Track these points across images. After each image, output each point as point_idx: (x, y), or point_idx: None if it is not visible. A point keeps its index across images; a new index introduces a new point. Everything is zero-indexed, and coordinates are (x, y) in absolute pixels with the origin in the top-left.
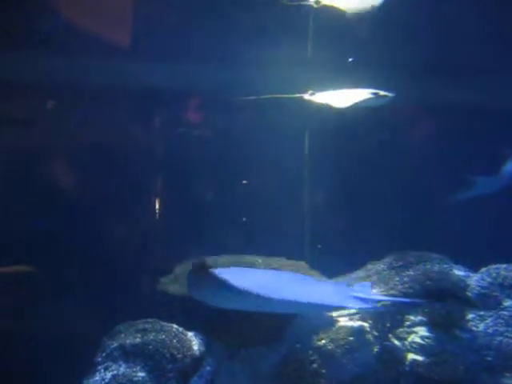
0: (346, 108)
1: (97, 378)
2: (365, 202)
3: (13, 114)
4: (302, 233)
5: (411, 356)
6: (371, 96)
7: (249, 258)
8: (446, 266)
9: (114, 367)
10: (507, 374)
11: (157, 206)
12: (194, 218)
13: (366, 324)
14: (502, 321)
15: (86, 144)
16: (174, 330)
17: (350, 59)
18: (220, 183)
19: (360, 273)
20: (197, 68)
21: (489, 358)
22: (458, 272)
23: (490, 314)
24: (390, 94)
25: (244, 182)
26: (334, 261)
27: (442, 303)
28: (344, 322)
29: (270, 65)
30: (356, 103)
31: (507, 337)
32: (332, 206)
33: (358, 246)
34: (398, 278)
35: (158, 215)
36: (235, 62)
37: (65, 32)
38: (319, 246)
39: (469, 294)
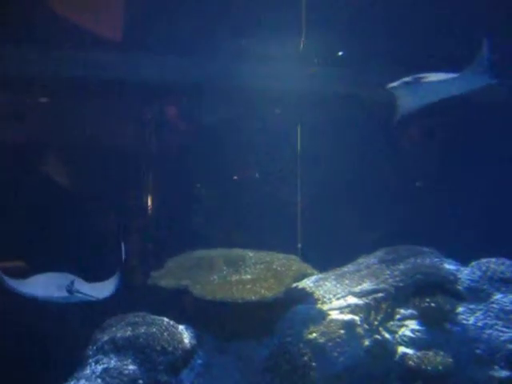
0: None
1: (87, 372)
2: (360, 196)
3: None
4: (295, 227)
5: (402, 349)
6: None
7: (240, 252)
8: (436, 259)
9: (104, 360)
10: (496, 367)
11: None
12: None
13: (356, 317)
14: (491, 314)
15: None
16: (164, 323)
17: (340, 53)
18: (217, 178)
19: (351, 266)
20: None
21: (478, 351)
22: (449, 266)
23: (480, 307)
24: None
25: (235, 177)
26: (325, 255)
27: (433, 297)
28: (335, 315)
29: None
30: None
31: (497, 330)
32: (325, 200)
33: (350, 241)
34: (388, 272)
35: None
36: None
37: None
38: (299, 245)
39: (459, 287)
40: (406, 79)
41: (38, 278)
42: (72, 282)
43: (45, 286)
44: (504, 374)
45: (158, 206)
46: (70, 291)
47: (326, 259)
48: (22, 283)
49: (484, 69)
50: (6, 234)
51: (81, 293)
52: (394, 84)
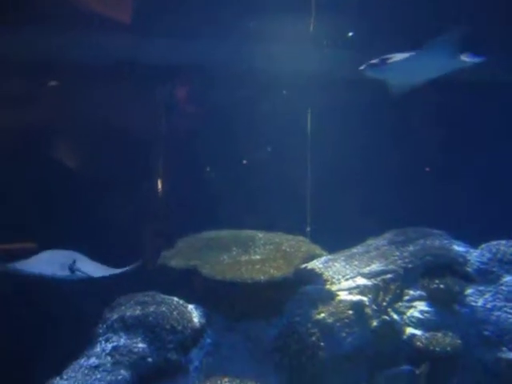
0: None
1: (97, 349)
2: (368, 178)
3: None
4: (305, 209)
5: (410, 330)
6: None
7: (249, 233)
8: (446, 241)
9: (114, 338)
10: (504, 348)
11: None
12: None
13: (365, 298)
14: (500, 296)
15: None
16: (174, 302)
17: (350, 34)
18: (228, 160)
19: (360, 248)
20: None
21: (486, 333)
22: (458, 248)
23: (490, 289)
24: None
25: (244, 161)
26: (335, 237)
27: (442, 278)
28: (344, 296)
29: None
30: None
31: (505, 312)
32: (334, 182)
33: (360, 222)
34: (397, 253)
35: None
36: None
37: None
38: (308, 229)
39: (468, 269)
40: (373, 61)
41: (43, 256)
42: (74, 261)
43: (48, 264)
44: None
45: (169, 187)
46: (71, 270)
47: (336, 241)
48: (25, 263)
49: (446, 45)
50: (24, 214)
51: (82, 272)
52: (362, 67)
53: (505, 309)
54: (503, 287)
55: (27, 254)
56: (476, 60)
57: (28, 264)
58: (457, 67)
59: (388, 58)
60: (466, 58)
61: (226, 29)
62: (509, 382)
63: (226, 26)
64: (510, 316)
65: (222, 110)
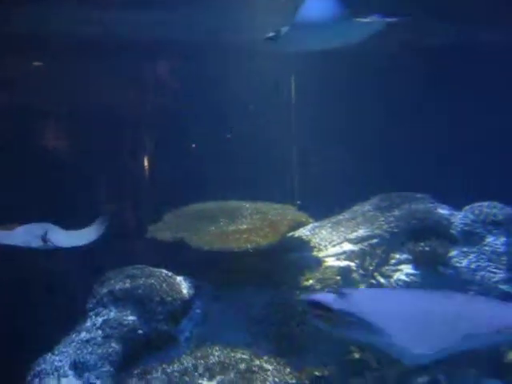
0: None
1: (88, 324)
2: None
3: None
4: (291, 178)
5: None
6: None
7: (236, 204)
8: (430, 205)
9: (104, 312)
10: None
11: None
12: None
13: (352, 263)
14: (484, 256)
15: None
16: (163, 274)
17: None
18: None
19: (346, 214)
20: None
21: (471, 293)
22: (443, 211)
23: (473, 250)
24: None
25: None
26: (322, 204)
27: (427, 241)
28: (331, 262)
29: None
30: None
31: (489, 271)
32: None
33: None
34: (383, 218)
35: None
36: None
37: None
38: (298, 202)
39: (453, 231)
40: (269, 34)
41: (19, 230)
42: (46, 232)
43: (24, 236)
44: None
45: (155, 161)
46: (44, 240)
47: (323, 209)
48: (3, 236)
49: (316, 8)
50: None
51: (53, 242)
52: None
53: (488, 268)
54: (486, 247)
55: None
56: (381, 21)
57: (2, 237)
58: (366, 29)
59: (280, 30)
60: (371, 20)
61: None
62: None
63: None
64: (493, 275)
65: (202, 84)
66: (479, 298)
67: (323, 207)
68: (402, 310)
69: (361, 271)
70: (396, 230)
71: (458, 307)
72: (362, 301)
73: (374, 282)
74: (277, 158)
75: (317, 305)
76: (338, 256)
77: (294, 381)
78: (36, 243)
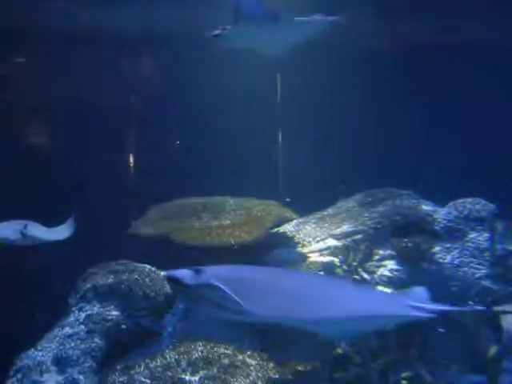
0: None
1: (71, 319)
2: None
3: None
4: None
5: (380, 288)
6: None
7: (220, 199)
8: (414, 201)
9: (87, 307)
10: (470, 303)
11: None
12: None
13: (335, 259)
14: (467, 252)
15: None
16: (146, 269)
17: None
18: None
19: (331, 210)
20: None
21: (454, 289)
22: (426, 207)
23: (456, 246)
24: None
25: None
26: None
27: (410, 237)
28: (315, 257)
29: None
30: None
31: (472, 267)
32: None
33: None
34: (367, 214)
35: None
36: None
37: None
38: (288, 200)
39: (436, 227)
40: (215, 32)
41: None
42: (25, 226)
43: (4, 230)
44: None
45: (139, 156)
46: (23, 234)
47: (308, 205)
48: None
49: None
50: None
51: (32, 236)
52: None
53: (471, 264)
54: (469, 244)
55: None
56: (323, 19)
57: None
58: (309, 28)
59: (226, 28)
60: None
61: None
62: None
63: None
64: (475, 271)
65: (188, 79)
66: (351, 286)
67: (307, 203)
68: (251, 282)
69: (344, 267)
70: (380, 226)
71: (311, 287)
72: (216, 275)
73: (357, 277)
74: (261, 154)
75: (175, 280)
76: (321, 251)
77: (277, 376)
78: (15, 236)
